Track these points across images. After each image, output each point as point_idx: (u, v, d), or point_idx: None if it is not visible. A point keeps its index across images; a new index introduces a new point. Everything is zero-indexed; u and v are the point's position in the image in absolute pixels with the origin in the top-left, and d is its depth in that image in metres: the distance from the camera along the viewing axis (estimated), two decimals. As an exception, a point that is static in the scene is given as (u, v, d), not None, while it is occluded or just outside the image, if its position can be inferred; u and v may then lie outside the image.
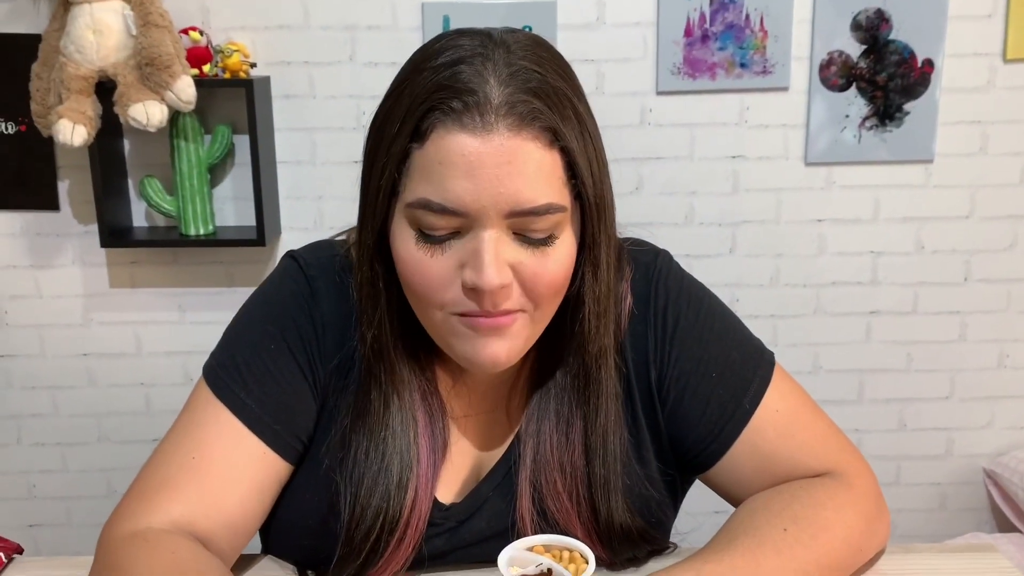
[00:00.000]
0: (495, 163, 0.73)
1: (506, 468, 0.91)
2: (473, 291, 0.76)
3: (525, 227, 0.76)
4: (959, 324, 2.13)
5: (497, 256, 0.75)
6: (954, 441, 2.20)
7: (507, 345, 0.79)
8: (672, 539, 0.97)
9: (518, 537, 0.83)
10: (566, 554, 0.71)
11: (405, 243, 0.78)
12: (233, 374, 0.87)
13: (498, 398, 0.93)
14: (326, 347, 0.89)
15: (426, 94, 0.75)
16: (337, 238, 0.96)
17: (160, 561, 0.78)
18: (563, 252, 0.79)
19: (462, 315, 0.78)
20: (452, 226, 0.76)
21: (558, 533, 0.86)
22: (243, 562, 0.94)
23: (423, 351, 0.88)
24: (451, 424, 0.91)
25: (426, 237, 0.77)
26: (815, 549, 0.83)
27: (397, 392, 0.87)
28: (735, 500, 0.94)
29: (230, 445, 0.85)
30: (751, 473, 0.91)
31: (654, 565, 0.84)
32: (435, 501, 0.89)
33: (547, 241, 0.77)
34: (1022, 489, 2.01)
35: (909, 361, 2.15)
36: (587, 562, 0.70)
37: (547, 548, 0.72)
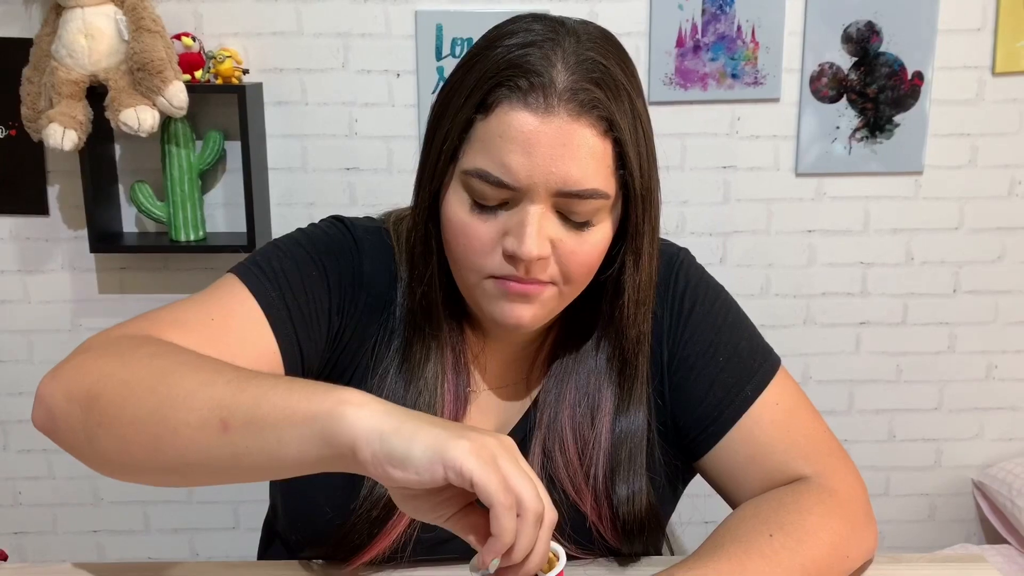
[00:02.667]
0: (551, 143, 0.78)
1: (521, 435, 0.94)
2: (512, 258, 0.81)
3: (568, 208, 0.81)
4: (948, 335, 2.14)
5: (540, 230, 0.80)
6: (943, 452, 2.21)
7: (532, 311, 0.84)
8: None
9: None
10: None
11: (457, 207, 0.83)
12: (268, 274, 0.88)
13: (520, 371, 0.97)
14: (359, 305, 0.92)
15: (496, 70, 0.80)
16: (376, 216, 1.01)
17: (174, 345, 0.77)
18: (599, 237, 0.84)
19: (496, 279, 0.83)
20: (503, 197, 0.81)
21: (567, 503, 0.89)
22: (241, 569, 0.93)
23: (458, 318, 0.93)
24: (473, 393, 0.95)
25: (478, 204, 0.82)
26: (801, 554, 0.83)
27: (439, 345, 0.91)
28: (726, 492, 0.96)
29: (248, 325, 0.85)
30: (744, 462, 0.93)
31: (637, 573, 0.84)
32: None
33: (585, 225, 0.82)
34: (1010, 501, 2.02)
35: (898, 372, 2.15)
36: (558, 558, 0.70)
37: None
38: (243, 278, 0.88)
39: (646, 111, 0.85)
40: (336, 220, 0.97)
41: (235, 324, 0.85)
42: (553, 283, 0.84)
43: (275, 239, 0.95)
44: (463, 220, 0.82)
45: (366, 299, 0.93)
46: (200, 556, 2.21)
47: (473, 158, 0.81)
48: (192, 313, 0.85)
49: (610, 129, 0.81)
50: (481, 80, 0.80)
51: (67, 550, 2.18)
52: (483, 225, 0.82)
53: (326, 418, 0.65)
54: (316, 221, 0.99)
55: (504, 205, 0.81)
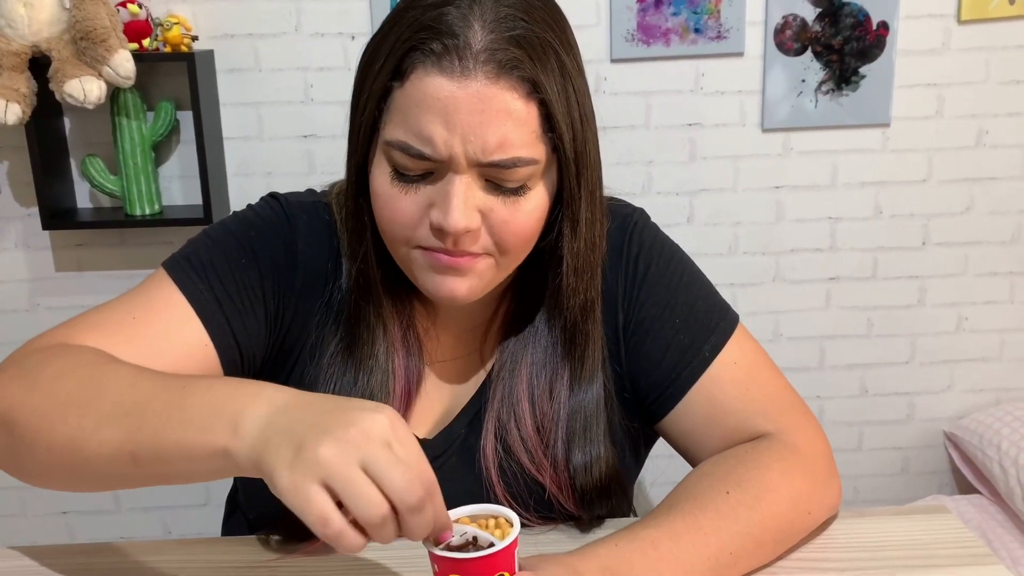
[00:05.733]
0: (469, 110, 0.74)
1: (477, 407, 0.92)
2: (440, 231, 0.78)
3: (496, 176, 0.78)
4: (918, 288, 2.13)
5: (466, 201, 0.77)
6: (915, 405, 2.21)
7: (468, 283, 0.81)
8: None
9: (487, 477, 0.87)
10: (491, 521, 0.70)
11: (381, 179, 0.80)
12: (196, 267, 0.87)
13: (473, 343, 0.95)
14: (295, 286, 0.90)
15: (410, 33, 0.76)
16: (320, 190, 0.97)
17: (81, 356, 0.76)
18: (534, 204, 0.80)
19: (426, 250, 0.80)
20: (426, 168, 0.78)
21: (523, 475, 0.89)
22: (203, 545, 0.92)
23: (404, 291, 0.90)
24: (427, 367, 0.93)
25: (400, 176, 0.79)
26: (760, 510, 0.82)
27: (386, 320, 0.88)
28: (687, 453, 0.95)
29: (173, 321, 0.84)
30: (704, 422, 0.91)
31: (597, 535, 0.82)
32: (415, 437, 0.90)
33: (518, 191, 0.79)
34: (981, 451, 2.03)
35: (869, 327, 2.15)
36: (512, 526, 0.69)
37: (472, 518, 0.71)
38: (171, 272, 0.86)
39: (579, 68, 0.81)
40: (272, 198, 0.94)
41: (158, 320, 0.83)
42: (487, 255, 0.81)
43: (207, 227, 0.93)
44: (387, 192, 0.79)
45: (303, 278, 0.90)
46: (173, 534, 2.19)
47: (393, 130, 0.78)
48: (114, 313, 0.83)
49: (534, 91, 0.76)
50: (396, 46, 0.77)
51: (37, 532, 2.15)
52: (408, 197, 0.79)
53: (222, 457, 0.64)
54: (254, 202, 0.96)
55: (429, 176, 0.78)
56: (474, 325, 0.95)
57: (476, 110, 0.74)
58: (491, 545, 0.67)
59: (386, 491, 0.59)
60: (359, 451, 0.60)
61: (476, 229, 0.78)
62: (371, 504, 0.59)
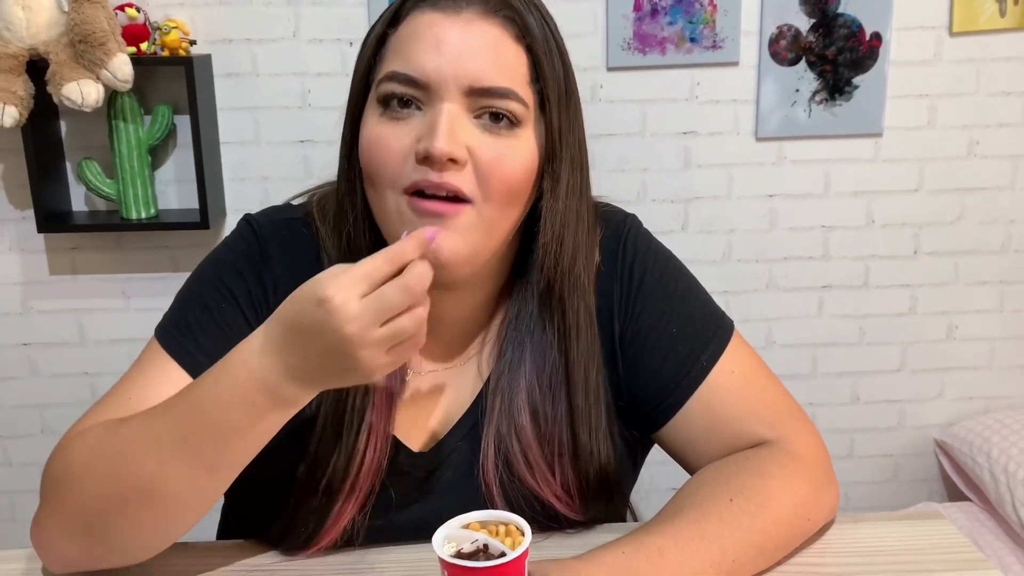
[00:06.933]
0: (460, 37, 0.77)
1: (473, 420, 0.91)
2: (426, 159, 0.77)
3: (489, 106, 0.78)
4: (909, 297, 2.15)
5: (452, 128, 0.77)
6: (906, 413, 2.23)
7: (450, 240, 0.79)
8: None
9: (483, 491, 0.86)
10: (502, 528, 0.70)
11: (371, 122, 0.81)
12: (184, 331, 0.88)
13: (465, 352, 0.94)
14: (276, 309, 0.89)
15: None
16: (295, 201, 0.96)
17: (96, 434, 0.80)
18: (524, 148, 0.80)
19: (412, 196, 0.79)
20: (414, 95, 0.78)
21: (523, 489, 0.87)
22: (201, 550, 0.92)
23: None
24: (417, 376, 0.92)
25: (389, 109, 0.79)
26: (762, 518, 0.82)
27: None
28: (686, 462, 0.95)
29: (170, 390, 0.83)
30: (703, 432, 0.91)
31: (601, 539, 0.83)
32: (404, 447, 0.89)
33: (511, 127, 0.79)
34: (971, 459, 2.04)
35: (861, 334, 2.16)
36: (523, 535, 0.69)
37: (483, 524, 0.71)
38: (163, 342, 0.88)
39: (564, 49, 0.84)
40: (245, 225, 0.93)
41: (153, 395, 0.84)
42: (471, 201, 0.79)
43: (188, 280, 0.93)
44: (376, 132, 0.80)
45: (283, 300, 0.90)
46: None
47: (385, 66, 0.81)
48: (112, 400, 0.86)
49: (522, 36, 0.80)
50: (392, 3, 0.82)
51: (26, 537, 2.12)
52: (395, 131, 0.79)
53: (282, 415, 0.75)
54: (228, 235, 0.96)
55: (418, 110, 0.79)
56: (465, 332, 0.93)
57: (468, 37, 0.78)
58: (502, 555, 0.66)
59: (402, 314, 0.69)
60: (367, 339, 0.68)
61: (462, 161, 0.77)
62: (416, 323, 0.70)
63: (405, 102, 0.79)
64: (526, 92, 0.80)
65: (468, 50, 0.77)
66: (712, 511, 0.82)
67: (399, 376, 0.90)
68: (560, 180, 0.83)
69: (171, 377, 0.86)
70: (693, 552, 0.78)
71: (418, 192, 0.78)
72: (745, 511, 0.82)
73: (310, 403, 0.84)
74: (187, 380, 0.85)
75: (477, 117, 0.79)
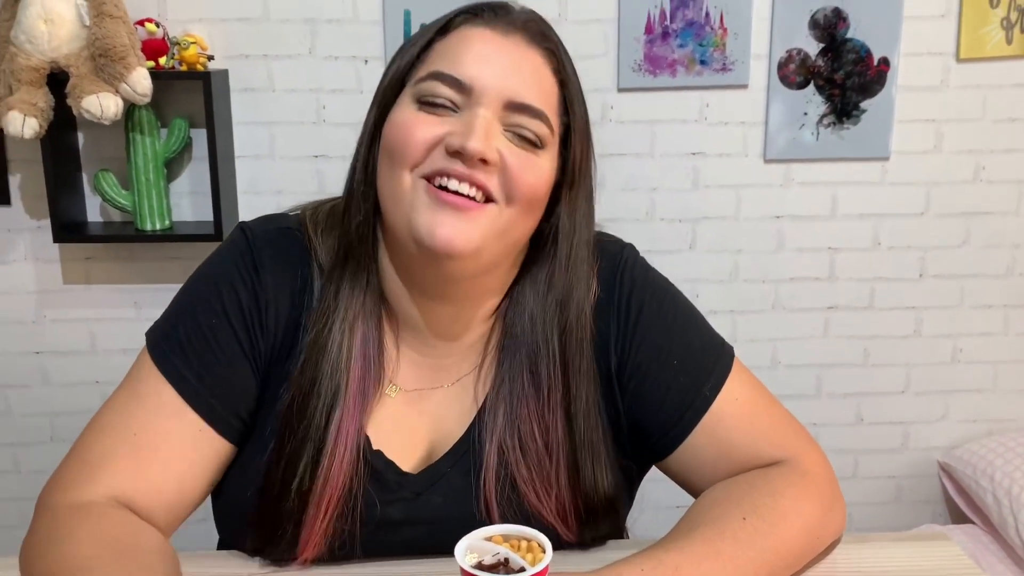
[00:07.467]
0: (508, 56, 0.83)
1: (465, 448, 0.91)
2: (457, 154, 0.80)
3: (519, 124, 0.83)
4: (914, 319, 2.16)
5: (488, 131, 0.81)
6: (909, 435, 2.24)
7: (466, 229, 0.81)
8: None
9: (480, 516, 0.85)
10: (524, 543, 0.71)
11: (402, 111, 0.84)
12: (175, 347, 0.88)
13: (459, 372, 0.94)
14: (268, 322, 0.90)
15: (460, 9, 0.87)
16: (292, 212, 0.97)
17: (102, 534, 0.79)
18: (544, 167, 0.85)
19: (431, 181, 0.81)
20: (453, 97, 0.82)
21: (525, 513, 0.87)
22: (199, 559, 0.93)
23: (384, 306, 0.91)
24: (409, 394, 0.92)
25: (425, 104, 0.83)
26: (774, 537, 0.84)
27: (353, 322, 0.88)
28: (693, 488, 0.96)
29: (170, 421, 0.86)
30: (711, 459, 0.92)
31: (612, 555, 0.84)
32: (392, 464, 0.90)
33: (536, 146, 0.84)
34: (975, 481, 2.05)
35: (866, 356, 2.18)
36: (544, 551, 0.70)
37: (505, 538, 0.72)
38: (154, 358, 0.88)
39: (583, 98, 0.91)
40: (240, 233, 0.93)
41: (159, 427, 0.85)
42: (493, 200, 0.82)
43: (181, 288, 0.94)
44: (408, 117, 0.83)
45: (276, 311, 0.90)
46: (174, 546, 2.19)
47: (429, 66, 0.84)
48: (114, 431, 0.86)
49: (558, 70, 0.87)
50: (445, 16, 0.87)
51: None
52: (428, 122, 0.82)
53: None
54: (223, 241, 0.96)
55: (455, 112, 0.83)
56: (457, 351, 0.93)
57: (514, 59, 0.83)
58: (522, 570, 0.67)
59: None
60: None
61: (493, 162, 0.81)
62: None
63: (439, 104, 0.83)
64: (555, 120, 0.86)
65: (513, 67, 0.83)
66: (727, 530, 0.83)
67: (373, 378, 0.89)
68: (576, 206, 0.89)
69: (166, 405, 0.86)
70: (708, 570, 0.79)
71: (440, 185, 0.81)
72: (758, 530, 0.83)
73: (282, 399, 0.87)
74: (179, 403, 0.86)
75: (507, 130, 0.83)
